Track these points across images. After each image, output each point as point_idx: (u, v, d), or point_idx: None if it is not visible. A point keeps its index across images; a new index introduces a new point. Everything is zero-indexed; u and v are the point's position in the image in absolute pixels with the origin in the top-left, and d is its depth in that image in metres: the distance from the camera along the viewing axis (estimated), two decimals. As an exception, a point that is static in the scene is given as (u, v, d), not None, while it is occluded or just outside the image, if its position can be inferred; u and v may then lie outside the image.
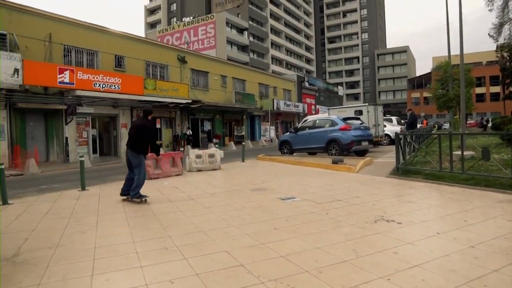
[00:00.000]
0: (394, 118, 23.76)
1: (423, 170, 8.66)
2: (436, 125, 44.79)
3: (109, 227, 5.26)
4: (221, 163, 13.43)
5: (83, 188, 8.82)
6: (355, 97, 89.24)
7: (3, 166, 7.72)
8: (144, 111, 7.72)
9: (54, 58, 17.48)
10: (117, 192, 8.24)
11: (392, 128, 20.99)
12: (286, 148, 16.10)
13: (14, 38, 15.99)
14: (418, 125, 26.10)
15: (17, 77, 15.07)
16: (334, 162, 10.97)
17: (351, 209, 5.60)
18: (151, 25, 69.66)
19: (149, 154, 10.81)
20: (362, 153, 14.26)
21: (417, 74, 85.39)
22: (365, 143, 13.84)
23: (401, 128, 20.41)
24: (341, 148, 13.40)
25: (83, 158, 9.06)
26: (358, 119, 15.30)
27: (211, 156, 12.40)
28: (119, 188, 8.82)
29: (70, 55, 18.57)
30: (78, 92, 17.00)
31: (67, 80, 16.66)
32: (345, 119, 14.29)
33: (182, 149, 22.95)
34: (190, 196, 7.31)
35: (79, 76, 17.11)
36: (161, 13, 68.07)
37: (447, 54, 23.90)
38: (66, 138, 17.91)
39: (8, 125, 16.07)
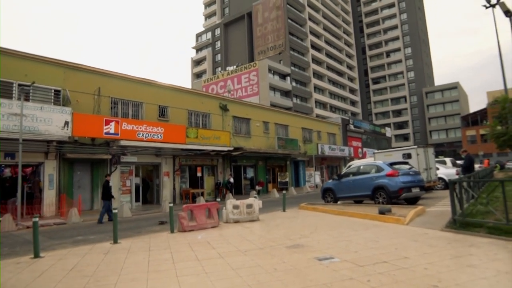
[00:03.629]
0: (448, 160, 22.10)
1: (485, 222, 7.50)
2: (497, 165, 41.19)
3: (126, 292, 4.85)
4: (261, 213, 12.88)
5: (115, 241, 8.63)
6: (405, 137, 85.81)
7: (37, 219, 7.75)
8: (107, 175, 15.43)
9: (102, 110, 18.43)
10: (148, 246, 7.99)
11: (446, 171, 19.42)
12: (329, 196, 15.24)
13: (67, 93, 17.13)
14: (478, 166, 24.04)
15: (67, 129, 15.89)
16: (381, 212, 10.01)
17: (398, 275, 4.76)
18: (197, 75, 73.28)
19: (184, 206, 10.62)
20: (413, 201, 13.06)
21: (471, 111, 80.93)
22: (415, 190, 12.67)
23: (456, 170, 18.81)
24: (388, 196, 12.35)
25: (116, 211, 8.94)
26: (407, 163, 14.22)
27: (249, 206, 11.89)
28: (151, 242, 8.63)
29: (117, 106, 19.51)
30: (123, 142, 17.55)
31: (112, 130, 17.32)
32: (392, 164, 13.30)
33: (222, 198, 22.73)
34: (220, 254, 6.78)
35: (124, 127, 17.74)
36: (206, 64, 71.65)
37: (503, 88, 22.21)
38: (110, 187, 18.31)
39: (57, 175, 16.81)
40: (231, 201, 11.90)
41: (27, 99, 16.06)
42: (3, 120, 14.44)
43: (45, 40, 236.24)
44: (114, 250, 7.79)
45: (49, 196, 16.51)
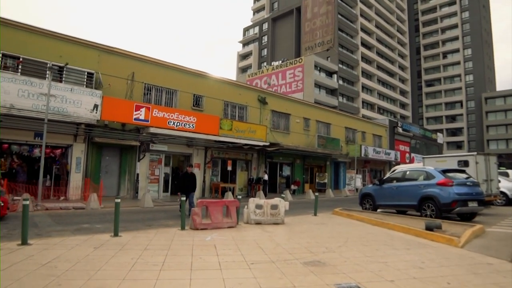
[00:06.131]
0: (511, 172, 19.34)
1: None
2: None
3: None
4: (289, 215, 11.69)
5: (116, 234, 7.70)
6: (458, 145, 79.79)
7: (28, 202, 6.99)
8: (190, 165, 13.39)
9: (134, 96, 17.89)
10: (146, 244, 6.96)
11: (508, 184, 16.92)
12: (368, 202, 13.51)
13: (99, 77, 16.72)
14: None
15: (96, 113, 15.47)
16: (429, 228, 8.27)
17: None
18: (243, 70, 72.63)
19: (199, 201, 9.52)
20: (468, 217, 11.06)
21: (538, 121, 73.41)
22: (473, 204, 10.66)
23: (521, 185, 16.26)
24: (438, 209, 10.47)
25: (119, 200, 7.97)
26: (463, 171, 12.15)
27: (274, 207, 10.57)
28: (154, 238, 7.62)
29: (150, 93, 18.92)
30: (152, 129, 16.88)
31: (142, 117, 16.70)
32: (444, 171, 11.35)
33: (254, 195, 21.61)
34: (220, 264, 5.54)
35: (155, 114, 17.07)
36: (252, 58, 70.80)
37: None
38: (137, 174, 17.81)
39: (85, 158, 16.48)
40: (254, 200, 10.64)
41: (60, 80, 15.89)
42: (33, 100, 14.25)
43: (85, 25, 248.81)
44: (107, 245, 6.82)
45: (75, 179, 16.20)
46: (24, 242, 6.69)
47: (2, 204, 9.92)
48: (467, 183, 11.04)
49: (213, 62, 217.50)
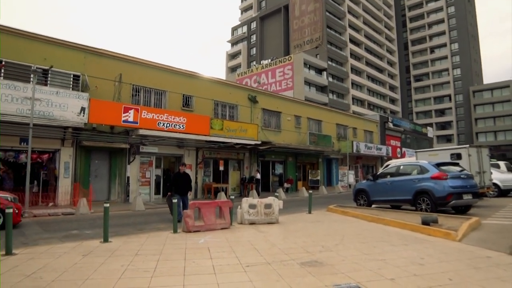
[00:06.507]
0: (502, 163, 19.44)
1: None
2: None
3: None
4: (284, 213, 11.53)
5: (105, 240, 7.45)
6: (448, 139, 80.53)
7: (10, 211, 6.68)
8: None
9: (123, 98, 17.55)
10: (138, 249, 6.71)
11: (500, 176, 17.01)
12: (362, 198, 13.41)
13: (86, 79, 16.35)
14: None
15: (83, 116, 15.10)
16: (425, 223, 8.17)
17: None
18: (232, 69, 72.41)
19: (191, 203, 9.30)
20: (463, 210, 11.01)
21: (526, 112, 74.27)
22: (467, 197, 10.61)
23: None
24: (434, 203, 10.38)
25: (107, 205, 7.71)
26: (457, 164, 12.09)
27: (268, 206, 10.38)
28: (145, 243, 7.38)
29: (139, 94, 18.60)
30: (142, 131, 16.56)
31: (131, 119, 16.38)
32: (438, 165, 11.28)
33: (247, 194, 21.42)
34: (214, 268, 5.34)
35: (144, 115, 16.76)
36: (241, 58, 70.60)
37: None
38: (128, 177, 17.50)
39: (73, 163, 16.12)
40: (247, 200, 10.45)
41: (45, 84, 15.51)
42: (17, 104, 13.86)
43: (85, 25, 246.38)
44: (97, 252, 6.57)
45: (64, 184, 15.85)
46: (8, 252, 6.41)
47: (17, 211, 9.64)
48: (461, 175, 10.99)
49: (205, 61, 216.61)
